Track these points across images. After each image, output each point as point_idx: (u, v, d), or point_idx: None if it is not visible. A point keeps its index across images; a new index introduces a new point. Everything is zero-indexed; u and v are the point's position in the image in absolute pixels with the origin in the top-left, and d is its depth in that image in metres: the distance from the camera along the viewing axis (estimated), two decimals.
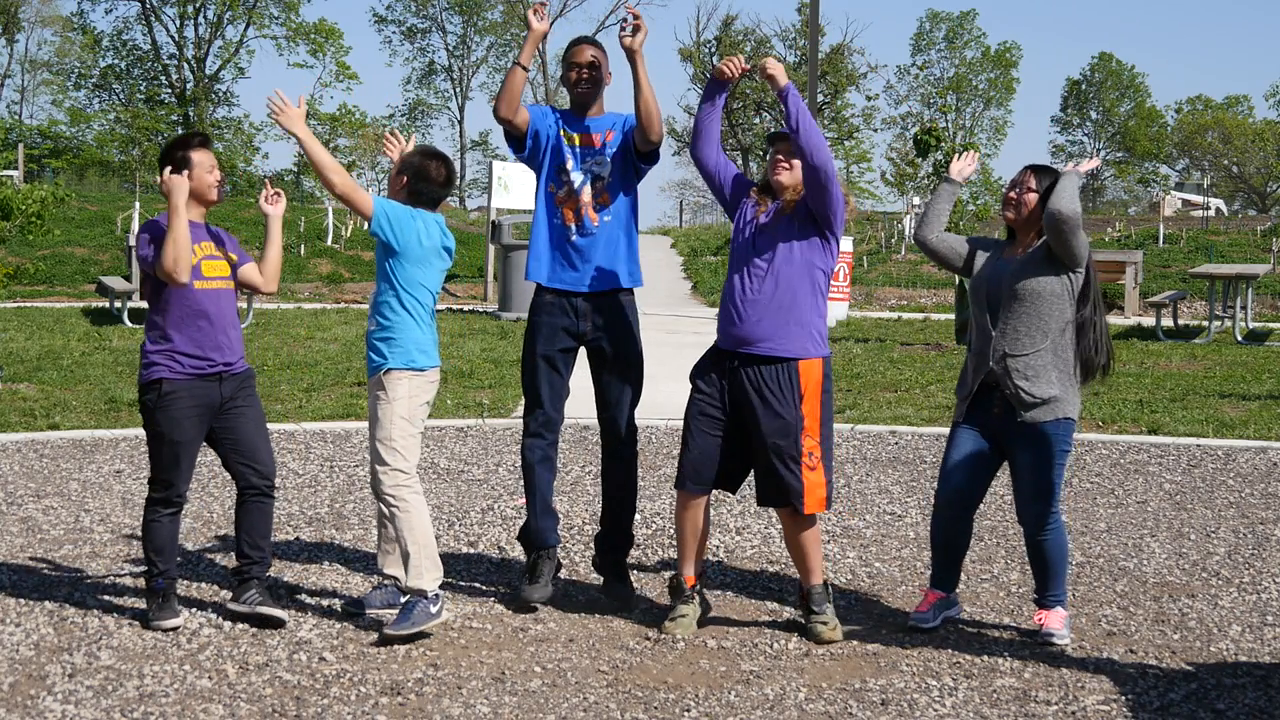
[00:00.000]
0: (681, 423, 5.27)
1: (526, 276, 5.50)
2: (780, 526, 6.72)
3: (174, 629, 5.00)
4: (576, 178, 5.42)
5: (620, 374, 5.46)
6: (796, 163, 5.08)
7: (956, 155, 5.51)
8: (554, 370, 5.41)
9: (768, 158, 5.19)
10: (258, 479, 5.19)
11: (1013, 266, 5.12)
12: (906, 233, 28.62)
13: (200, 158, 5.16)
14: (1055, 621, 5.09)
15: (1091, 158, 5.38)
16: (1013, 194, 5.17)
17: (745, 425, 5.07)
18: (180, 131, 51.72)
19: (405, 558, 4.97)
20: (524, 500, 5.71)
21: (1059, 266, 5.04)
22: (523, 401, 5.53)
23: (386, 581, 5.32)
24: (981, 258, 5.27)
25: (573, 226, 5.41)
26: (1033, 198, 5.13)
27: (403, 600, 5.04)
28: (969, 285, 5.32)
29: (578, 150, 5.45)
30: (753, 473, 5.18)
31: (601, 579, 5.60)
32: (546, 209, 5.45)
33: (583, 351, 5.48)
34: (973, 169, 5.44)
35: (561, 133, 5.47)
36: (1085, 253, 5.04)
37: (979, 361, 5.13)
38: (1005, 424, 5.07)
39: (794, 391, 5.01)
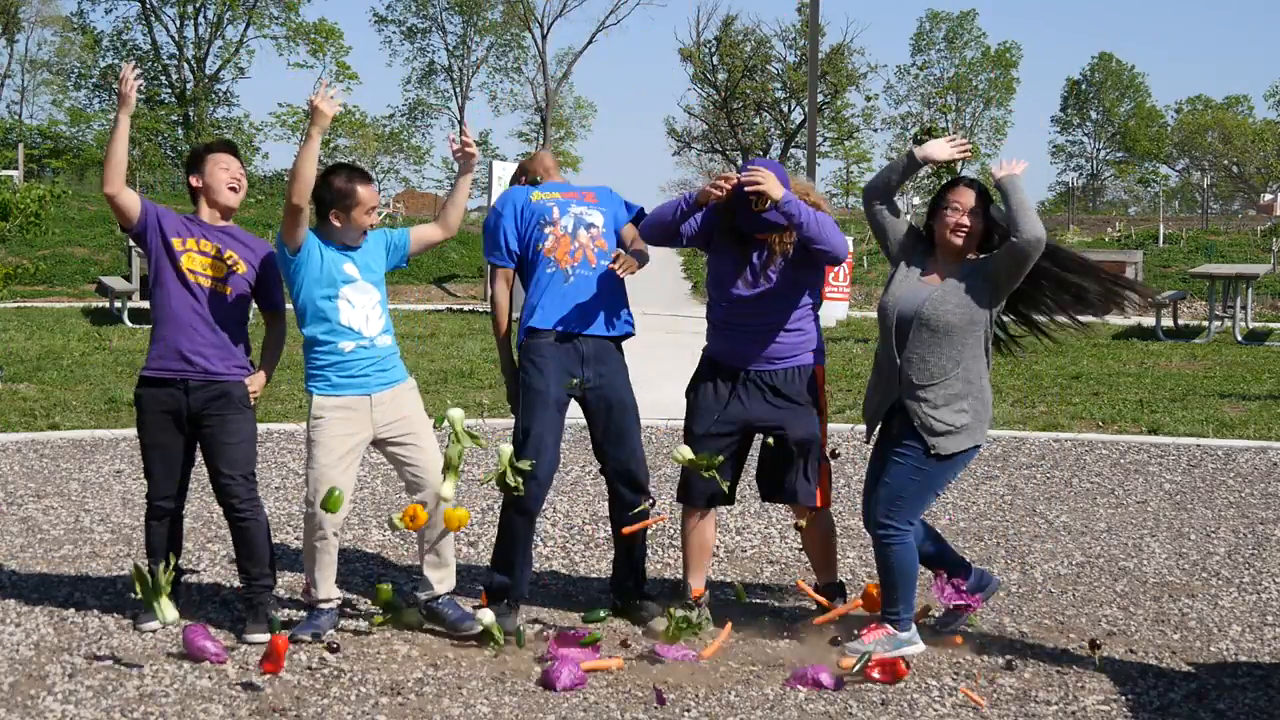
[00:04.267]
0: (682, 423, 5.27)
1: (523, 327, 5.20)
2: (779, 527, 6.73)
3: (152, 631, 4.95)
4: (566, 223, 5.23)
5: (627, 420, 5.24)
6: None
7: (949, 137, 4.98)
8: (560, 413, 5.14)
9: (746, 212, 4.94)
10: (221, 497, 5.02)
11: (931, 295, 4.77)
12: None
13: (214, 158, 5.07)
14: (870, 635, 4.80)
15: (1015, 161, 4.87)
16: (964, 220, 4.78)
17: (763, 428, 5.12)
18: (180, 132, 51.87)
19: (451, 561, 5.11)
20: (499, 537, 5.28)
21: (985, 294, 4.74)
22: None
23: (330, 606, 5.03)
24: (902, 265, 4.89)
25: (569, 269, 5.17)
26: (977, 222, 4.80)
27: (447, 599, 5.07)
28: (878, 305, 4.94)
29: (558, 202, 5.28)
30: (758, 472, 5.28)
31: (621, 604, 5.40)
32: (539, 265, 5.20)
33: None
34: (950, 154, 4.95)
35: (534, 196, 5.28)
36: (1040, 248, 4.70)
37: (886, 390, 4.84)
38: (901, 436, 4.83)
39: (815, 394, 5.16)
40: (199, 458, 5.13)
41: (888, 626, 4.84)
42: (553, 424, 5.10)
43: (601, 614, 5.18)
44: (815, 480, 5.16)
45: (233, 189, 5.09)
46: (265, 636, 4.84)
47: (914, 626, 4.91)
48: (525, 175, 5.52)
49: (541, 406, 5.08)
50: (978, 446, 4.88)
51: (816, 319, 5.21)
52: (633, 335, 5.33)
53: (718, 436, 5.10)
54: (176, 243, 5.00)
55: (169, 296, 4.98)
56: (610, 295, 5.24)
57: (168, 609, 4.64)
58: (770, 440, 5.15)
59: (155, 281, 5.03)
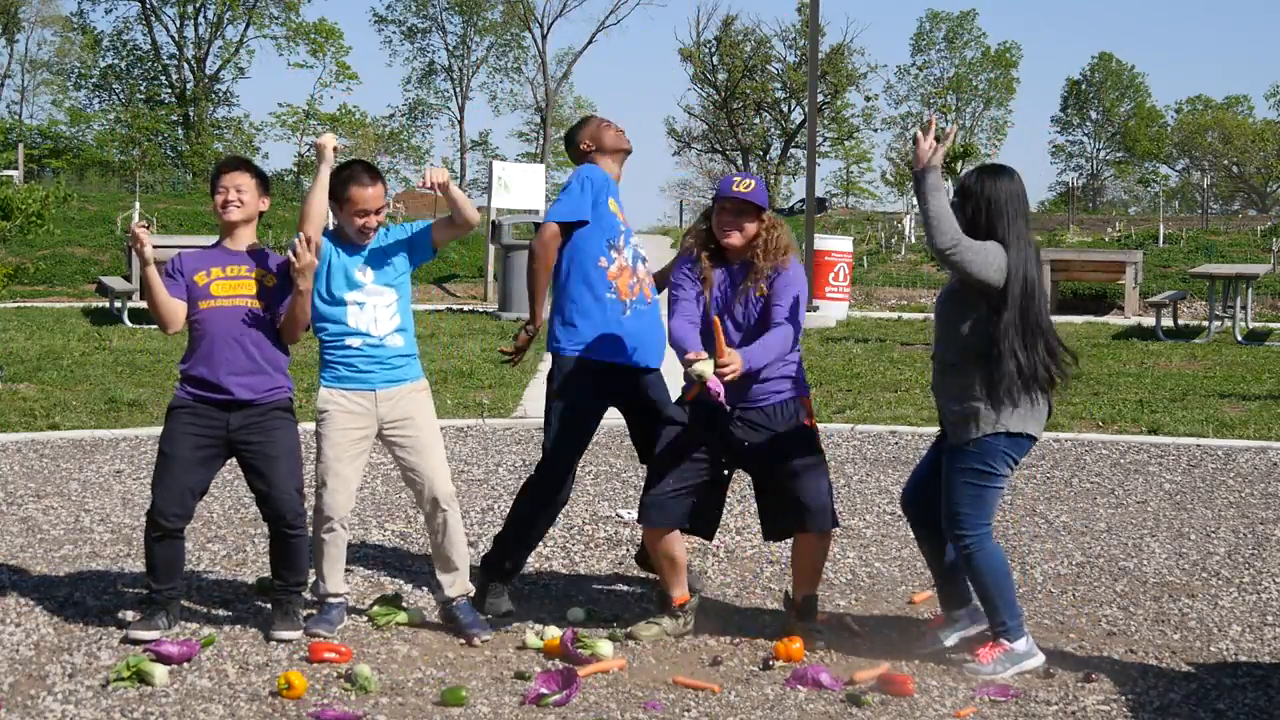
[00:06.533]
0: None
1: (566, 344, 5.19)
2: None
3: (147, 641, 4.78)
4: (629, 253, 5.27)
5: (661, 385, 5.36)
6: (748, 226, 4.89)
7: (922, 136, 4.62)
8: (586, 428, 5.29)
9: (714, 217, 4.90)
10: (271, 515, 4.95)
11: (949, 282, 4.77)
12: (906, 232, 28.62)
13: (219, 181, 4.92)
14: (985, 655, 4.70)
15: (934, 127, 4.64)
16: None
17: (758, 464, 4.96)
18: (180, 132, 51.91)
19: (461, 565, 5.09)
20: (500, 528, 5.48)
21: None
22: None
23: (338, 600, 5.08)
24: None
25: (628, 302, 5.22)
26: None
27: (458, 604, 5.09)
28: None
29: (625, 228, 5.30)
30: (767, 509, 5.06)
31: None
32: (596, 282, 5.18)
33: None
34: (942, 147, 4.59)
35: (611, 202, 5.23)
36: (990, 270, 4.51)
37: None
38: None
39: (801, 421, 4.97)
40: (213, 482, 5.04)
41: (1003, 643, 4.71)
42: (589, 434, 5.30)
43: (580, 614, 5.29)
44: (828, 500, 4.93)
45: (227, 207, 4.90)
46: (294, 634, 4.89)
47: (1027, 633, 4.75)
48: (597, 146, 5.31)
49: (567, 422, 5.24)
50: (998, 436, 4.60)
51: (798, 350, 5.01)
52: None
53: (698, 461, 4.95)
54: (200, 277, 4.88)
55: (198, 333, 4.88)
56: (658, 329, 5.30)
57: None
58: (760, 475, 5.00)
59: (187, 320, 4.91)
